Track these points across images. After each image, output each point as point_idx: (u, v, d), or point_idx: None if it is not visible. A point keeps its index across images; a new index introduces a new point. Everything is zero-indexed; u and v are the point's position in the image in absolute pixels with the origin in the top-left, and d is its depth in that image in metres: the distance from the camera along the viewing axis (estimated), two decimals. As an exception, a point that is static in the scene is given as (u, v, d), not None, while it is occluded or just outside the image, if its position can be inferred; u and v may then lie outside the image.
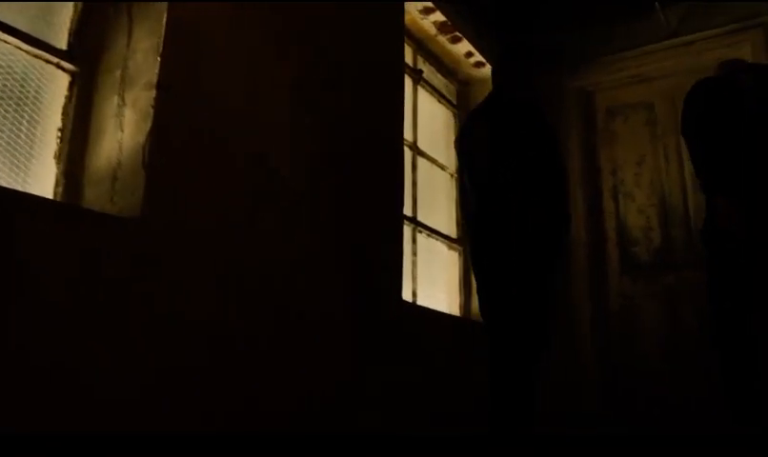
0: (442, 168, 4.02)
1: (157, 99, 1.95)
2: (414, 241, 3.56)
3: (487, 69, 4.11)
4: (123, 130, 1.99)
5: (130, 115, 1.99)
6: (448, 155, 4.13)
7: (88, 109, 2.07)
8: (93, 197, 1.97)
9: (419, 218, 3.63)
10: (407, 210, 3.48)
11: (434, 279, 3.79)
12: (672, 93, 4.24)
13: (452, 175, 4.11)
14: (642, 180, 4.26)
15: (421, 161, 3.77)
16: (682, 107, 2.94)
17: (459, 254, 4.02)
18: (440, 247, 3.89)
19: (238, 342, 2.12)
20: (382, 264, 2.91)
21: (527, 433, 2.49)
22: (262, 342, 2.21)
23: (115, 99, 2.03)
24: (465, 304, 3.95)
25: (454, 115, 4.24)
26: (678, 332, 3.93)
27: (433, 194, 3.91)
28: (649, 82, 4.33)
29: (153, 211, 1.91)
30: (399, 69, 3.31)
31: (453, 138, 4.14)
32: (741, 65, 3.07)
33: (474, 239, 2.66)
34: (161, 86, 1.97)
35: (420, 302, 3.51)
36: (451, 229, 4.03)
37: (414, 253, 3.55)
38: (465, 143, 2.75)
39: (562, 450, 2.75)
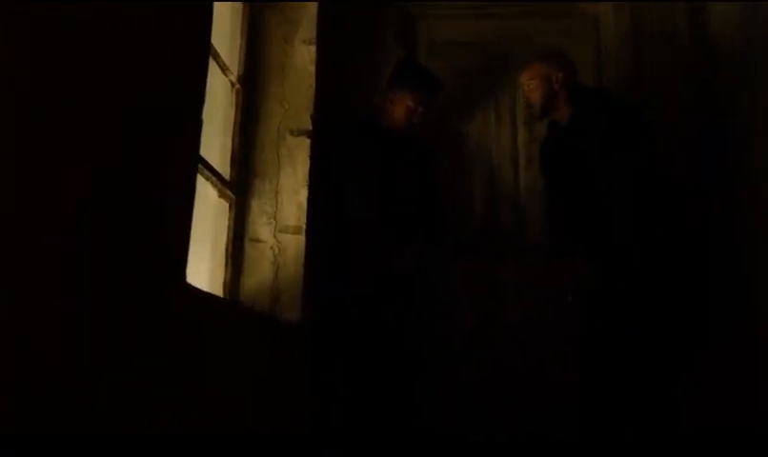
0: (224, 70, 2.61)
1: None
2: (178, 175, 2.12)
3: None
4: None
5: None
6: (231, 55, 2.73)
7: None
8: None
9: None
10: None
11: (194, 238, 2.37)
12: (512, 38, 3.43)
13: (233, 84, 2.71)
14: (468, 138, 3.38)
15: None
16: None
17: (231, 206, 2.66)
18: (209, 190, 2.49)
19: None
20: (166, 227, 1.50)
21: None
22: None
23: None
24: (232, 282, 2.61)
25: (245, 5, 2.83)
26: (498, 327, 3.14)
27: (205, 108, 2.47)
28: (489, 18, 3.44)
29: None
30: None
31: (240, 30, 2.78)
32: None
33: None
34: None
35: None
36: (225, 167, 2.64)
37: (179, 196, 2.11)
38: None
39: None
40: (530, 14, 3.38)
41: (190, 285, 1.67)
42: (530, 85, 2.83)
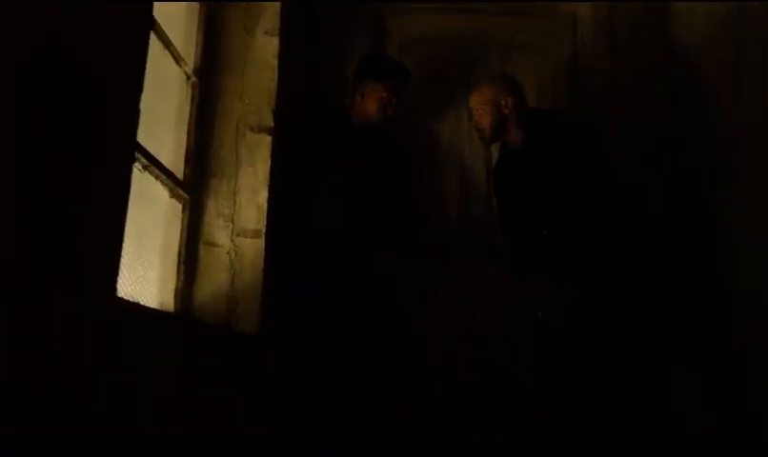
0: (178, 60, 2.42)
1: None
2: (122, 173, 1.94)
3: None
4: None
5: None
6: (187, 44, 2.54)
7: None
8: None
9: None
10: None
11: (143, 242, 2.19)
12: (487, 36, 3.30)
13: (189, 77, 2.52)
14: (440, 139, 3.24)
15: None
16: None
17: (185, 207, 2.47)
18: (160, 190, 2.30)
19: None
20: (92, 232, 1.31)
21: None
22: None
23: None
24: (184, 290, 2.42)
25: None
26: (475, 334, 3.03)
27: (157, 101, 2.29)
28: (464, 13, 3.29)
29: None
30: None
31: (198, 19, 2.60)
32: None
33: None
34: None
35: (125, 282, 1.93)
36: (178, 165, 2.45)
37: (122, 196, 1.93)
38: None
39: None
40: (505, 12, 3.25)
41: (121, 298, 1.48)
42: (479, 110, 2.72)
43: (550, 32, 3.26)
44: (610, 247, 2.46)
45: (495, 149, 3.13)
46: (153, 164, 2.16)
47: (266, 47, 2.67)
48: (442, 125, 3.27)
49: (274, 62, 2.65)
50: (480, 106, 2.71)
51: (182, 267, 2.41)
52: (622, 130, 3.08)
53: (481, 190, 3.18)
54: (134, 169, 2.05)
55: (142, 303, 2.09)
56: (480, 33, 3.27)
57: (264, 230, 2.51)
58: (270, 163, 2.57)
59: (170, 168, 2.33)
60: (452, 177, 3.20)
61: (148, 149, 2.11)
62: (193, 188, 2.49)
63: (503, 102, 2.68)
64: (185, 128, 2.49)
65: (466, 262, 3.12)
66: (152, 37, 2.18)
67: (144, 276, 2.16)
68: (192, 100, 2.53)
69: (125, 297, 1.97)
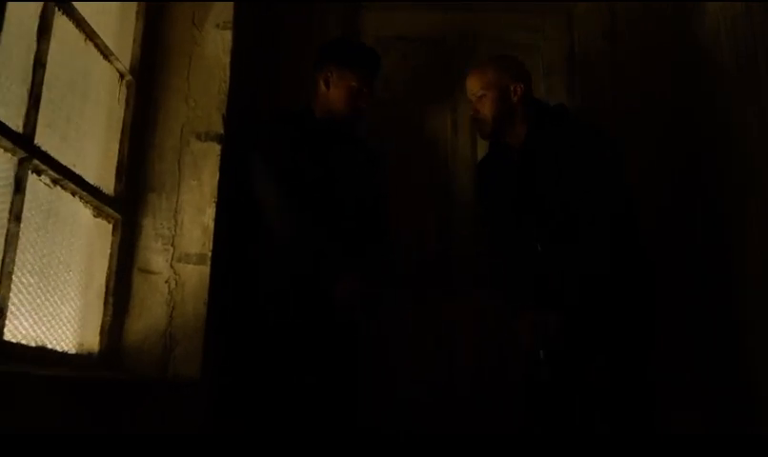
0: (107, 56, 2.05)
1: None
2: (18, 188, 1.57)
3: None
4: None
5: None
6: (122, 37, 2.17)
7: None
8: None
9: (40, 143, 1.65)
10: (12, 121, 1.53)
11: (54, 272, 1.81)
12: (475, 37, 2.96)
13: (123, 76, 2.16)
14: (420, 146, 2.89)
15: (61, 24, 1.77)
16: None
17: (116, 227, 2.09)
18: (79, 207, 1.92)
19: None
20: None
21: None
22: None
23: None
24: (112, 328, 2.03)
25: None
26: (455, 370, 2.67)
27: (75, 102, 1.91)
28: (447, 12, 2.94)
29: None
30: None
31: (136, 7, 2.24)
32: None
33: None
34: None
35: (22, 323, 1.57)
36: (107, 179, 2.07)
37: (18, 216, 1.56)
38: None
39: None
40: (497, 8, 2.89)
41: None
42: (482, 96, 2.27)
43: (545, 29, 2.92)
44: (608, 266, 2.14)
45: (481, 151, 2.77)
46: (68, 177, 1.79)
47: (217, 42, 2.31)
48: (423, 132, 2.90)
49: (226, 59, 2.29)
50: (482, 91, 2.25)
51: (110, 299, 2.03)
52: (621, 132, 2.74)
53: (467, 203, 2.81)
54: (38, 184, 1.70)
55: (50, 346, 1.74)
56: (467, 31, 2.91)
57: (210, 255, 2.14)
58: (218, 176, 2.20)
59: (94, 184, 1.96)
60: (432, 189, 2.84)
61: (60, 159, 1.75)
62: (126, 205, 2.11)
63: (512, 88, 2.24)
64: (116, 135, 2.12)
65: (445, 287, 2.76)
66: (68, 25, 1.82)
67: (55, 313, 1.78)
68: (127, 102, 2.16)
69: (23, 341, 1.62)
